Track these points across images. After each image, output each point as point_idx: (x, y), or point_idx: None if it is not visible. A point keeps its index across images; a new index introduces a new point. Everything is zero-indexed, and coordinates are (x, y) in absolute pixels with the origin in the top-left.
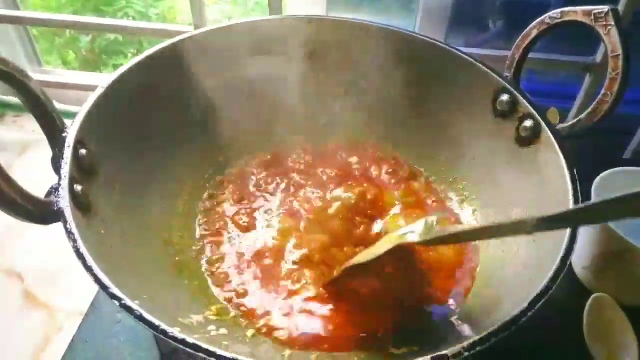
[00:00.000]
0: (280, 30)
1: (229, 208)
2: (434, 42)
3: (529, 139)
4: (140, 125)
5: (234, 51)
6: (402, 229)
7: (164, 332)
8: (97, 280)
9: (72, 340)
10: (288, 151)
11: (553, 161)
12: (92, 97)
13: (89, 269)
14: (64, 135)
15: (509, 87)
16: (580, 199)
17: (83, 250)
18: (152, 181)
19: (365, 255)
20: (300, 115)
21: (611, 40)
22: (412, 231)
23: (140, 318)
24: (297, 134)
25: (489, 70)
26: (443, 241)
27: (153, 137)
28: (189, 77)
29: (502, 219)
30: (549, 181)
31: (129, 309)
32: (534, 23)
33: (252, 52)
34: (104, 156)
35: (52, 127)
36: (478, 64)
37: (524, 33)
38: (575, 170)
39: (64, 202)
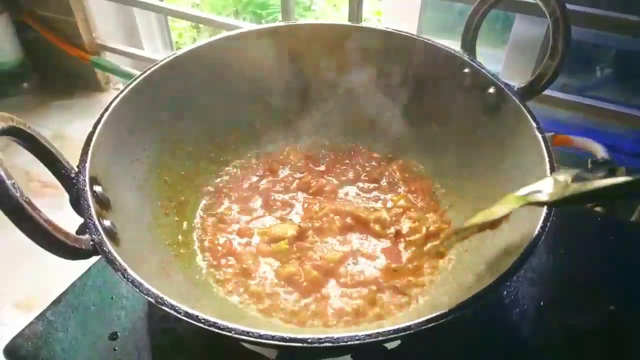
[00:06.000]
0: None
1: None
2: (404, 34)
3: (496, 104)
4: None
5: None
6: (523, 189)
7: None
8: (158, 301)
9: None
10: None
11: (521, 120)
12: (96, 132)
13: (147, 292)
14: (72, 176)
15: (469, 60)
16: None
17: (135, 275)
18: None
19: (483, 216)
20: None
21: (548, 3)
22: (539, 190)
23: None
24: None
25: (451, 50)
26: (582, 199)
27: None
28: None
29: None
30: (521, 140)
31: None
32: (479, 1)
33: None
34: (111, 188)
35: (62, 171)
36: (442, 47)
37: (471, 11)
38: (540, 124)
39: (99, 237)
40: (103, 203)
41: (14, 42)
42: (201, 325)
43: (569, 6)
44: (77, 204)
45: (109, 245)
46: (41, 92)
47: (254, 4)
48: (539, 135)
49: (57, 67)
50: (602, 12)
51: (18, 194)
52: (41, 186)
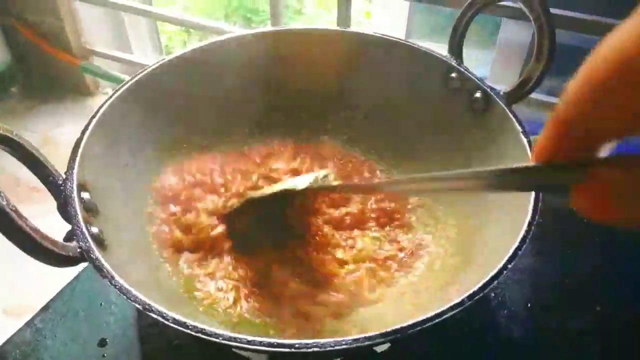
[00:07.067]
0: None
1: None
2: (390, 38)
3: (482, 109)
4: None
5: None
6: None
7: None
8: (146, 308)
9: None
10: None
11: (507, 124)
12: (84, 138)
13: (135, 299)
14: (59, 182)
15: (455, 65)
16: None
17: (122, 282)
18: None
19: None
20: None
21: (533, 9)
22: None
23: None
24: None
25: (438, 55)
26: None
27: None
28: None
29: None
30: (506, 145)
31: (181, 324)
32: (466, 5)
33: None
34: (99, 194)
35: (50, 178)
36: (430, 52)
37: (458, 16)
38: (525, 128)
39: (86, 244)
40: (91, 210)
41: (2, 47)
42: (189, 331)
43: (554, 10)
44: (65, 211)
45: (96, 252)
46: (29, 96)
47: (244, 8)
48: (524, 139)
49: (46, 72)
50: (587, 16)
51: (4, 203)
52: (30, 191)
